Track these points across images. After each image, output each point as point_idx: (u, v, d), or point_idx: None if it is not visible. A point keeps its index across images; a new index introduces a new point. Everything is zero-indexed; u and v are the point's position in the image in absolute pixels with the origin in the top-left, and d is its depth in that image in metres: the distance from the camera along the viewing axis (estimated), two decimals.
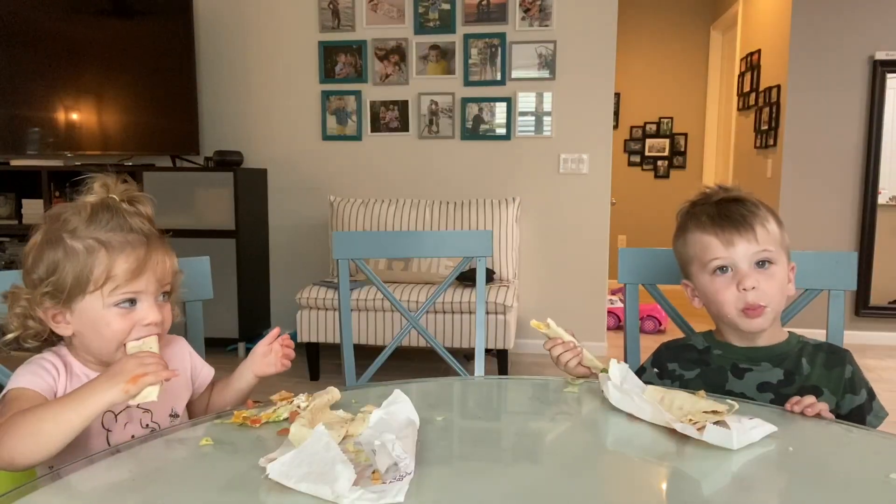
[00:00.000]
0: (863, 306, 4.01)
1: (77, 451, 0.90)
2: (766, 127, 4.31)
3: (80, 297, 0.95)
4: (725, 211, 1.14)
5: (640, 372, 1.27)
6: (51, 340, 1.02)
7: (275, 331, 1.15)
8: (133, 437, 0.98)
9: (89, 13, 3.77)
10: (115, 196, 0.99)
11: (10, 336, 0.98)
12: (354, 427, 0.87)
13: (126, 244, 0.96)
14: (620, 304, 4.36)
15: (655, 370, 1.23)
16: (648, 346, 1.38)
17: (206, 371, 1.15)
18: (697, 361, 1.19)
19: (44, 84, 3.81)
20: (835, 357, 1.14)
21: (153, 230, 1.01)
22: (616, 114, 5.86)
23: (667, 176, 6.06)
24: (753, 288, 1.09)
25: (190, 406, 1.13)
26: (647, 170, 6.08)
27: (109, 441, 0.99)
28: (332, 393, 1.00)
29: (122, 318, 0.96)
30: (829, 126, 3.98)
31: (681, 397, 0.96)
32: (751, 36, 4.80)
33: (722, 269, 1.12)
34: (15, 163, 3.78)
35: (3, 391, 0.95)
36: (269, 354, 1.13)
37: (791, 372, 1.12)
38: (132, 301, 0.97)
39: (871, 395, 1.12)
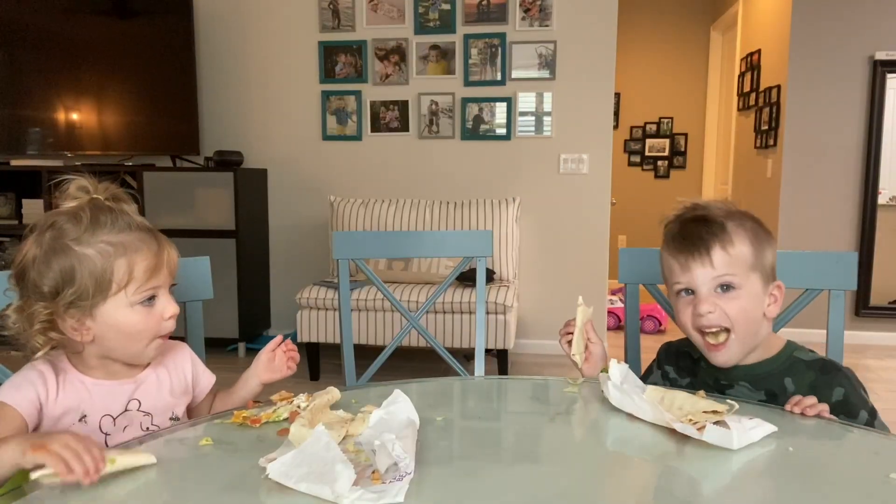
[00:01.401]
0: (863, 306, 4.01)
1: None
2: (766, 127, 4.31)
3: (102, 301, 0.95)
4: (685, 232, 1.09)
5: (647, 373, 1.27)
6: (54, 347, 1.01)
7: (277, 338, 1.16)
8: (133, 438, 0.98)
9: (89, 13, 3.77)
10: (99, 196, 0.98)
11: (40, 354, 0.97)
12: (354, 427, 0.87)
13: (141, 242, 0.97)
14: (620, 304, 4.36)
15: (660, 372, 1.23)
16: (648, 346, 1.38)
17: (206, 378, 1.16)
18: (690, 371, 1.19)
19: (44, 84, 3.81)
20: (825, 378, 1.07)
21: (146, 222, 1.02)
22: (616, 114, 5.86)
23: (667, 176, 6.06)
24: (709, 312, 1.05)
25: (191, 413, 1.14)
26: (647, 170, 6.09)
27: (108, 444, 0.99)
28: (332, 393, 1.00)
29: (146, 316, 0.98)
30: (829, 126, 3.98)
31: (681, 397, 0.96)
32: (751, 36, 4.80)
33: (686, 290, 1.09)
34: (15, 163, 3.78)
35: None
36: (274, 360, 1.15)
37: (773, 394, 1.07)
38: (152, 298, 0.98)
39: (873, 415, 1.04)
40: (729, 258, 1.05)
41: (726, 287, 1.06)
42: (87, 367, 1.01)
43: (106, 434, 0.99)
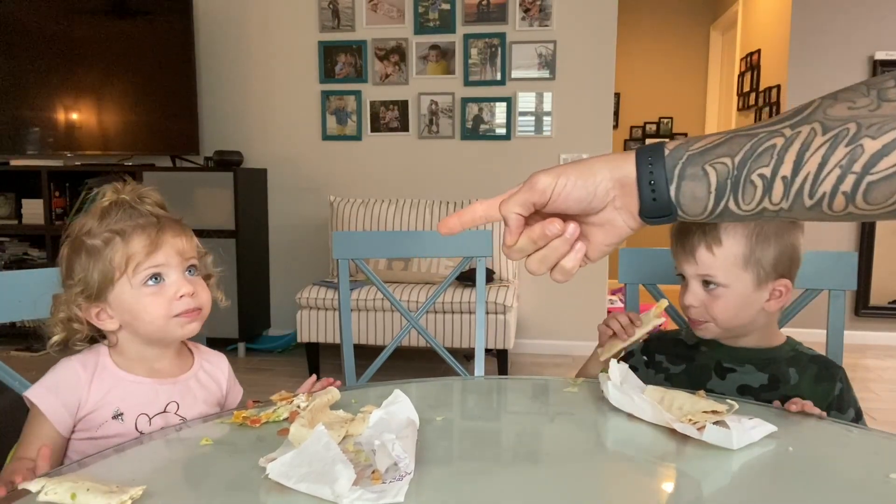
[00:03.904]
0: (863, 306, 4.01)
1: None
2: None
3: (111, 287, 0.98)
4: (682, 225, 1.11)
5: (629, 355, 1.27)
6: (96, 340, 1.04)
7: (309, 381, 1.08)
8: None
9: (89, 13, 3.77)
10: (125, 196, 1.02)
11: (55, 339, 1.00)
12: (354, 427, 0.87)
13: (137, 227, 0.99)
14: (620, 304, 4.36)
15: (644, 357, 1.24)
16: None
17: (236, 392, 1.16)
18: (684, 357, 1.20)
19: (44, 84, 3.81)
20: (826, 372, 1.11)
21: (166, 213, 1.04)
22: (616, 114, 5.86)
23: None
24: (692, 306, 1.11)
25: None
26: None
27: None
28: (332, 393, 1.00)
29: (156, 297, 0.99)
30: None
31: (681, 397, 0.96)
32: (751, 36, 4.80)
33: (681, 275, 1.15)
34: (15, 163, 3.79)
35: (31, 390, 0.97)
36: None
37: (776, 378, 1.10)
38: (157, 276, 0.99)
39: (859, 415, 1.09)
40: (713, 258, 1.08)
41: (709, 283, 1.10)
42: (127, 360, 1.02)
43: (141, 433, 0.99)
